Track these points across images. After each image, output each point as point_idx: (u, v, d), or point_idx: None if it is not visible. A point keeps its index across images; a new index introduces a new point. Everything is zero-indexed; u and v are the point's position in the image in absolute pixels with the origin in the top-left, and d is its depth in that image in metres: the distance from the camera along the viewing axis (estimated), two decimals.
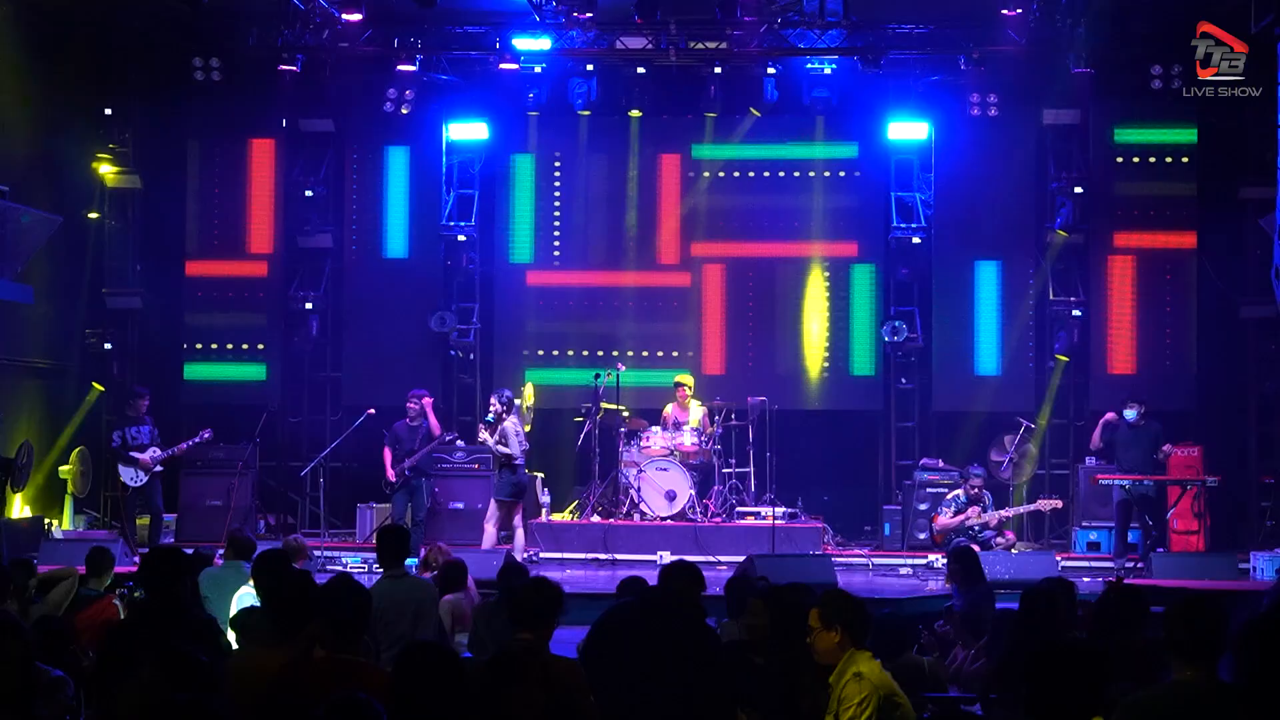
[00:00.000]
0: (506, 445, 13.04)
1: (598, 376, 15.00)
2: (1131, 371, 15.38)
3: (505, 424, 13.12)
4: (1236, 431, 15.36)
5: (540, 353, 16.44)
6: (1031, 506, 13.56)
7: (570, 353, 16.42)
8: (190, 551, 8.78)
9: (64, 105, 15.55)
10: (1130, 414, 13.57)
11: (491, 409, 13.27)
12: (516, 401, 13.74)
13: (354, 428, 14.39)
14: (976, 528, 12.76)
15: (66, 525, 15.14)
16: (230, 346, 16.11)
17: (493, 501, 13.36)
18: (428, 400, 13.95)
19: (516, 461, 13.09)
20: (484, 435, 13.26)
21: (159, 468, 14.06)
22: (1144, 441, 13.55)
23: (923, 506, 14.62)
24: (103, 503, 15.89)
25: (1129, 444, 13.60)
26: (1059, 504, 13.83)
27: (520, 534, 13.23)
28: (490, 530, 13.25)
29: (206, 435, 14.33)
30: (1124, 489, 13.52)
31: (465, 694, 4.20)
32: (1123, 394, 14.19)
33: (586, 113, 16.16)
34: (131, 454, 13.93)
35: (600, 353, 16.02)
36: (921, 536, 14.54)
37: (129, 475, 13.99)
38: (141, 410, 14.19)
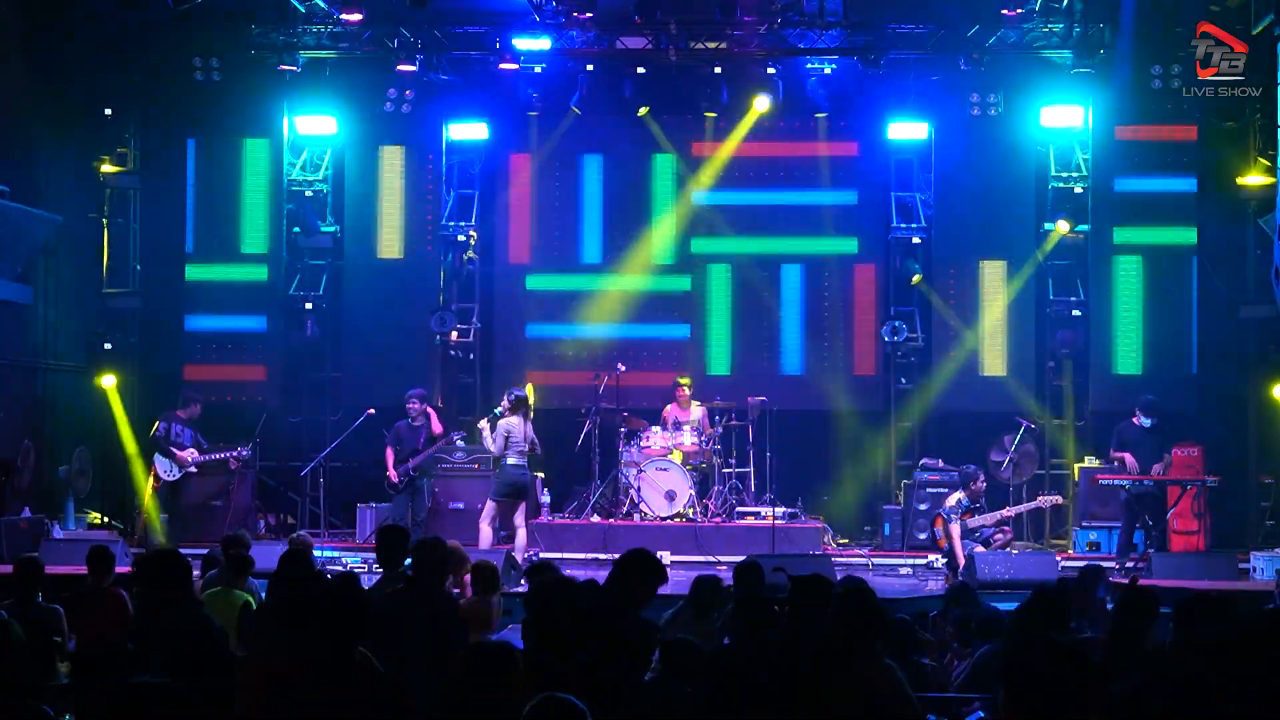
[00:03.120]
0: (494, 443, 13.07)
1: (598, 377, 15.00)
2: (1132, 372, 15.36)
3: (502, 422, 13.10)
4: (1236, 431, 15.34)
5: (540, 353, 16.45)
6: (1033, 504, 13.54)
7: (570, 353, 16.43)
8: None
9: (64, 105, 15.55)
10: (1147, 421, 13.60)
11: (501, 406, 13.29)
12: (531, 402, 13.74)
13: (354, 428, 14.38)
14: (977, 528, 12.73)
15: (67, 525, 15.13)
16: (230, 346, 16.08)
17: (489, 500, 13.36)
18: (432, 410, 13.94)
19: (509, 461, 13.04)
20: (483, 424, 13.27)
21: (193, 468, 13.99)
22: (1153, 443, 13.57)
23: (923, 506, 14.62)
24: (103, 502, 15.87)
25: (1138, 444, 13.61)
26: (1059, 500, 13.84)
27: (522, 533, 13.20)
28: (486, 529, 13.21)
29: (244, 453, 14.35)
30: (1125, 489, 13.54)
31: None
32: (1122, 393, 14.20)
33: (577, 111, 16.15)
34: (172, 448, 13.86)
35: (600, 353, 16.00)
36: (922, 537, 14.55)
37: (164, 467, 13.91)
38: (194, 414, 14.12)
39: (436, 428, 13.78)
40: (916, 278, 15.94)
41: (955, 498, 12.85)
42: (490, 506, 13.27)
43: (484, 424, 13.32)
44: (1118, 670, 5.39)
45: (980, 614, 7.89)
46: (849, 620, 5.25)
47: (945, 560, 12.95)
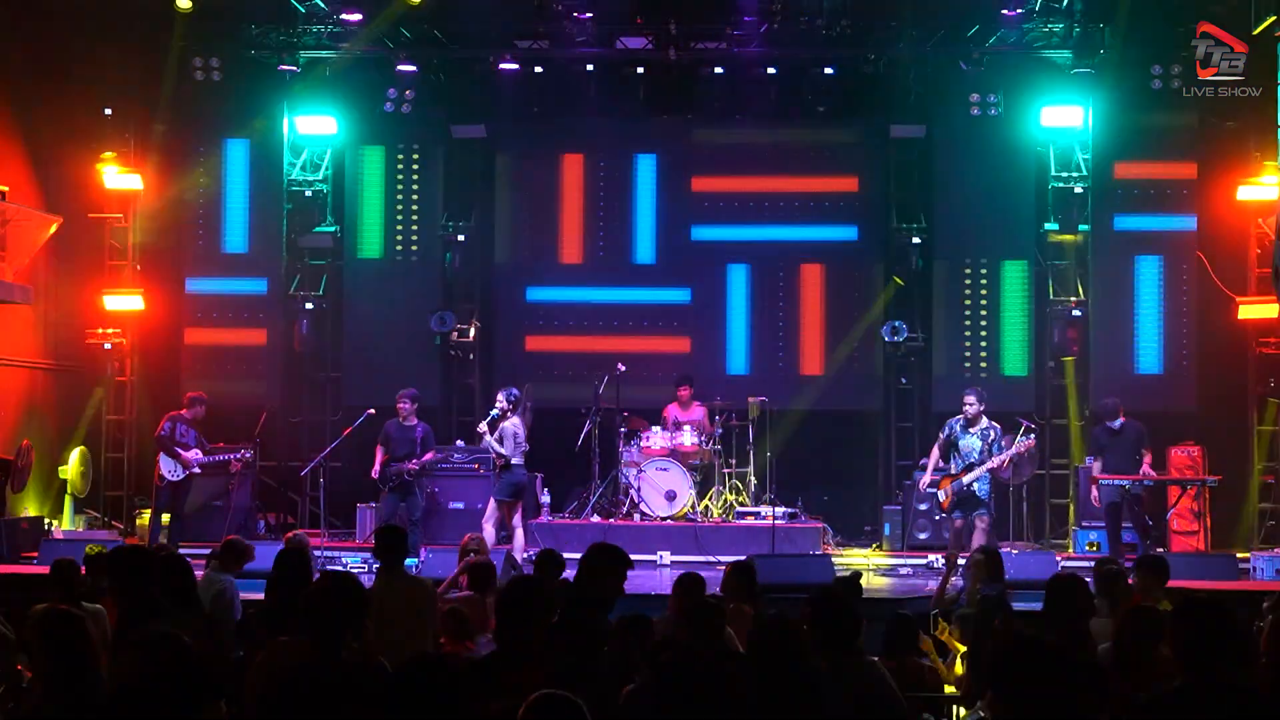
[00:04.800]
0: (502, 445, 12.99)
1: (598, 376, 14.99)
2: (1132, 371, 15.35)
3: (506, 423, 13.07)
4: (1236, 431, 15.32)
5: (540, 353, 16.44)
6: (1013, 450, 13.05)
7: (570, 353, 16.41)
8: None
9: (64, 105, 15.55)
10: (1114, 424, 13.56)
11: (497, 406, 13.21)
12: (528, 402, 13.71)
13: (354, 428, 14.35)
14: (971, 482, 12.44)
15: (66, 525, 15.14)
16: (230, 346, 16.07)
17: (491, 501, 13.33)
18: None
19: (515, 462, 13.05)
20: (483, 428, 13.18)
21: (196, 469, 13.91)
22: (1125, 444, 13.51)
23: (923, 506, 14.61)
24: (103, 503, 15.89)
25: (1111, 448, 13.57)
26: (1032, 443, 13.56)
27: (520, 534, 13.17)
28: (489, 530, 13.19)
29: (247, 455, 14.33)
30: (1124, 489, 13.51)
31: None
32: (1123, 392, 14.18)
33: (588, 116, 16.20)
34: (177, 448, 13.79)
35: (600, 353, 15.98)
36: (922, 536, 14.57)
37: (168, 467, 13.80)
38: (198, 415, 14.03)
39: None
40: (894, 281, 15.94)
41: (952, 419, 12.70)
42: (492, 506, 13.22)
43: (484, 427, 13.21)
44: (1125, 681, 5.36)
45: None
46: (821, 624, 5.30)
47: (945, 561, 12.90)
